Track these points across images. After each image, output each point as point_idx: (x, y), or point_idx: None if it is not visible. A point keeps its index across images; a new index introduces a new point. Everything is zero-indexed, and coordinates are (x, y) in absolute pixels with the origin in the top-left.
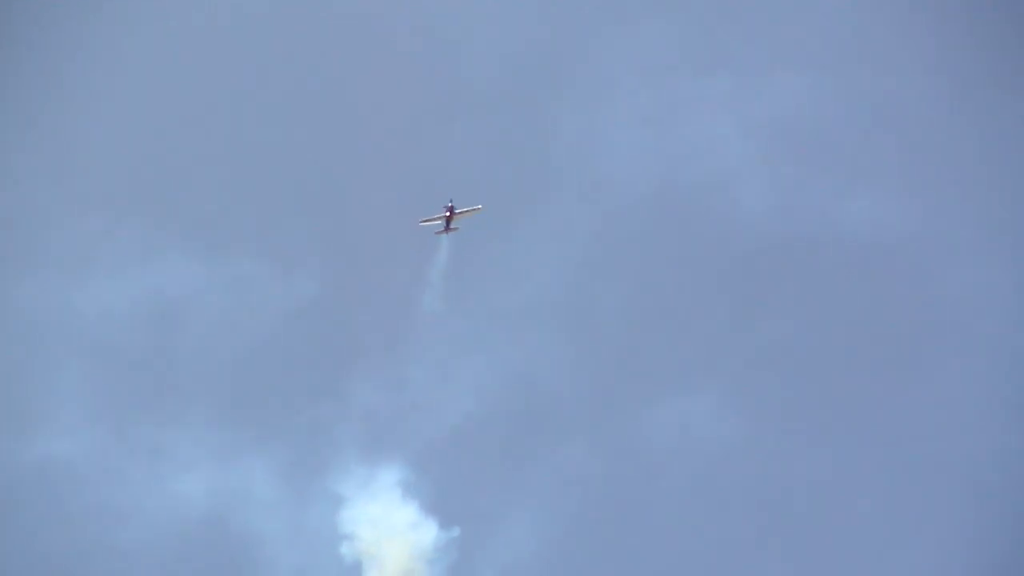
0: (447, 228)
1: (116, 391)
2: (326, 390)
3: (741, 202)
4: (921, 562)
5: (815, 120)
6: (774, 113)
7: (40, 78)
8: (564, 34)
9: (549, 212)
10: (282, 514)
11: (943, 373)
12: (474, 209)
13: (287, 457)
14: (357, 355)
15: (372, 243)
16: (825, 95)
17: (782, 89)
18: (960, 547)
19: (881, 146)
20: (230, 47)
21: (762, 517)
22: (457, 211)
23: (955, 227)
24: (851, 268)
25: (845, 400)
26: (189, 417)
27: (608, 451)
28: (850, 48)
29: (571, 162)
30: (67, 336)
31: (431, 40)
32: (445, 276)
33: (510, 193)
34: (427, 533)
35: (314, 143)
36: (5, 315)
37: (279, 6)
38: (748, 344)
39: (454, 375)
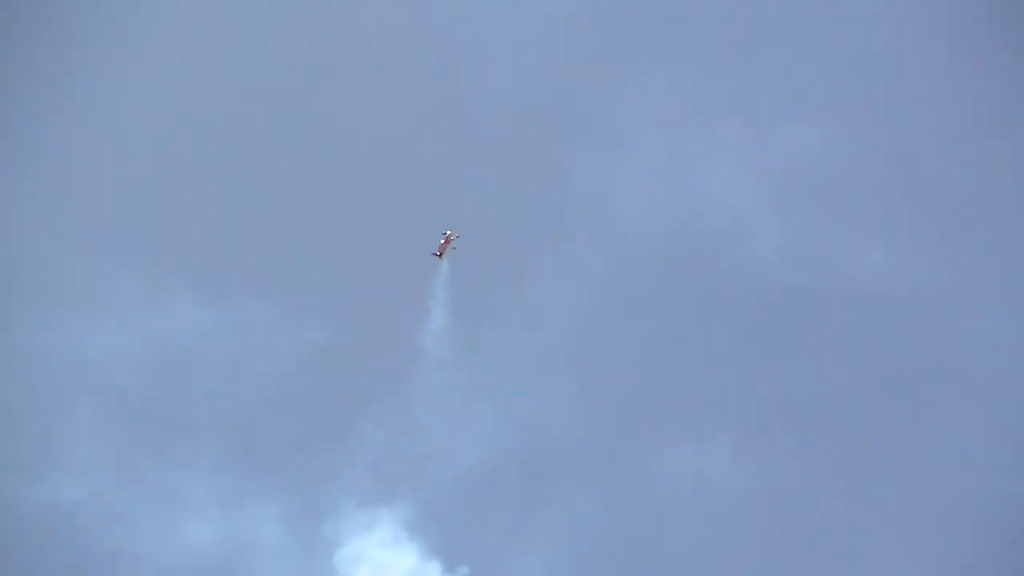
0: (441, 254)
1: (124, 435)
2: (335, 436)
3: (754, 251)
4: None
5: (828, 170)
6: (787, 162)
7: (50, 117)
8: (578, 82)
9: (562, 259)
10: (289, 560)
11: (953, 423)
12: (454, 236)
13: (295, 503)
14: (367, 401)
15: (383, 288)
16: (839, 145)
17: (795, 138)
18: None
19: (894, 196)
20: (242, 87)
21: (774, 562)
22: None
23: (967, 278)
24: (863, 318)
25: (856, 448)
26: (197, 462)
27: (619, 498)
28: (864, 98)
29: (584, 209)
30: (75, 378)
31: (447, 85)
32: (452, 320)
33: (523, 239)
34: None
35: (326, 187)
36: (13, 355)
37: (291, 51)
38: (760, 392)
39: (464, 422)
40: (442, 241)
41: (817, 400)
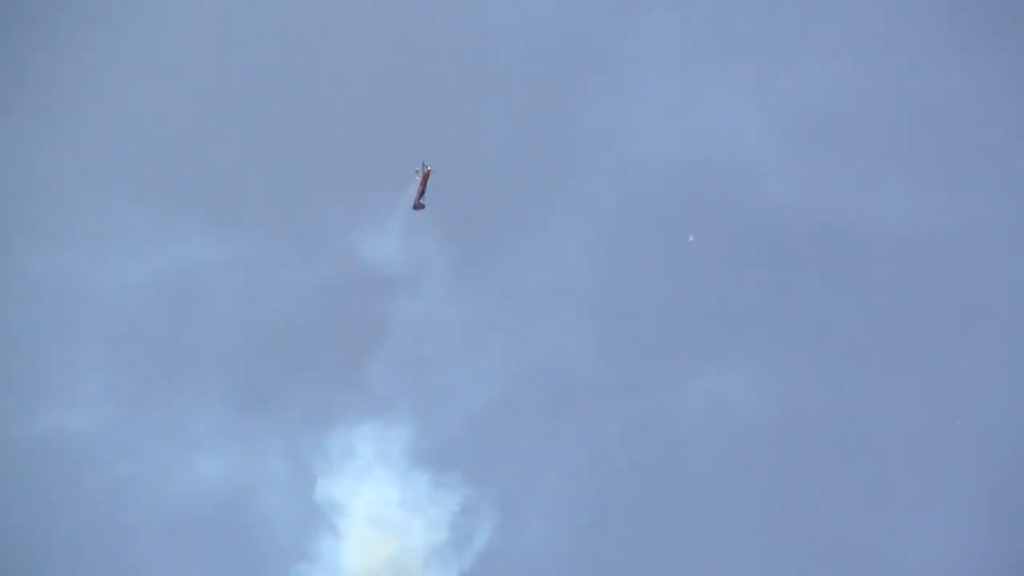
0: (418, 200)
1: (133, 367)
2: (347, 371)
3: (768, 189)
4: (953, 544)
5: (843, 107)
6: (800, 100)
7: (58, 55)
8: (587, 23)
9: (575, 194)
10: (295, 495)
11: (971, 361)
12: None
13: (305, 438)
14: (378, 337)
15: (396, 224)
16: (853, 82)
17: (809, 76)
18: (980, 531)
19: (910, 135)
20: (253, 26)
21: (795, 490)
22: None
23: (986, 217)
24: (881, 254)
25: (876, 379)
26: (205, 395)
27: (638, 429)
28: (879, 35)
29: (596, 147)
30: (85, 311)
31: (458, 24)
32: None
33: (535, 178)
34: (446, 513)
35: (338, 122)
36: (22, 287)
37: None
38: (778, 323)
39: (478, 356)
40: (418, 182)
41: (835, 334)
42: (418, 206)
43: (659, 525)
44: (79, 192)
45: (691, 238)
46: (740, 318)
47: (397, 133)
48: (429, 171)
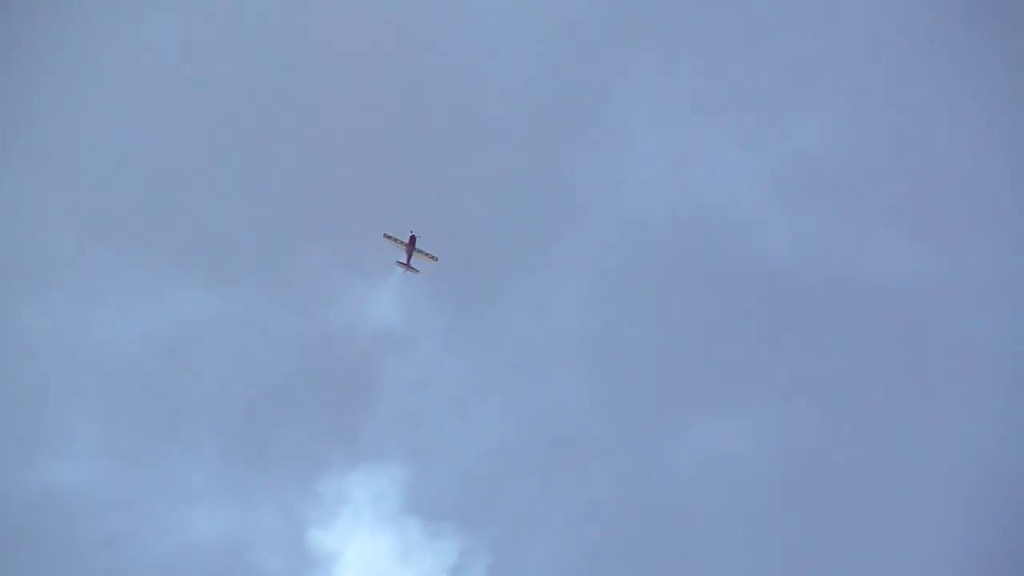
0: (407, 263)
1: (128, 422)
2: (341, 426)
3: (764, 240)
4: None
5: (837, 159)
6: (796, 151)
7: (52, 106)
8: (583, 75)
9: (570, 249)
10: (291, 549)
11: (968, 413)
12: (430, 256)
13: (300, 492)
14: (373, 391)
15: (387, 280)
16: (847, 134)
17: (804, 128)
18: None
19: (905, 187)
20: (244, 77)
21: (795, 541)
22: (417, 247)
23: (980, 269)
24: (877, 307)
25: (873, 430)
26: (199, 450)
27: (635, 482)
28: (873, 87)
29: (592, 200)
30: (80, 365)
31: (451, 79)
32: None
33: (530, 231)
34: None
35: (330, 178)
36: (17, 340)
37: (291, 43)
38: (773, 377)
39: (474, 411)
40: (406, 242)
41: (832, 385)
42: (409, 268)
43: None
44: (74, 248)
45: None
46: (736, 369)
47: (390, 186)
48: (413, 237)
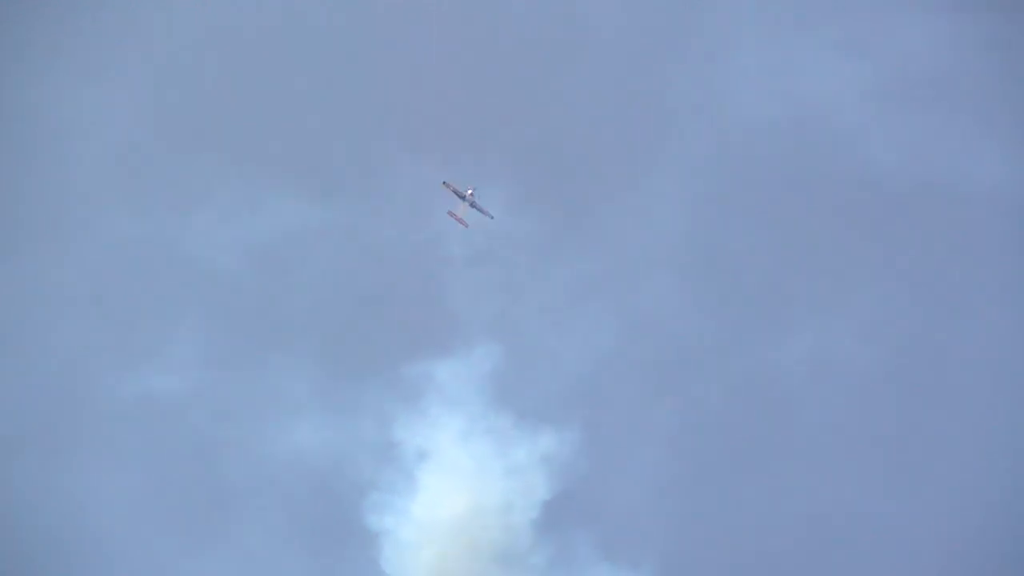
0: (458, 215)
1: (225, 331)
2: (441, 337)
3: (865, 147)
4: None
5: (938, 66)
6: (897, 58)
7: (150, 13)
8: None
9: (672, 159)
10: (387, 462)
11: None
12: (486, 213)
13: (399, 404)
14: (473, 302)
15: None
16: (949, 41)
17: (905, 35)
18: None
19: (1006, 92)
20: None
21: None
22: (473, 203)
23: None
24: (980, 215)
25: (975, 332)
26: (298, 360)
27: (739, 387)
28: None
29: (694, 110)
30: (177, 274)
31: None
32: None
33: (632, 141)
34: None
35: (431, 88)
36: (118, 251)
37: None
38: (876, 278)
39: (577, 318)
40: (464, 195)
41: (935, 284)
42: (460, 220)
43: (761, 480)
44: (171, 157)
45: None
46: (838, 272)
47: (491, 96)
48: (472, 192)
